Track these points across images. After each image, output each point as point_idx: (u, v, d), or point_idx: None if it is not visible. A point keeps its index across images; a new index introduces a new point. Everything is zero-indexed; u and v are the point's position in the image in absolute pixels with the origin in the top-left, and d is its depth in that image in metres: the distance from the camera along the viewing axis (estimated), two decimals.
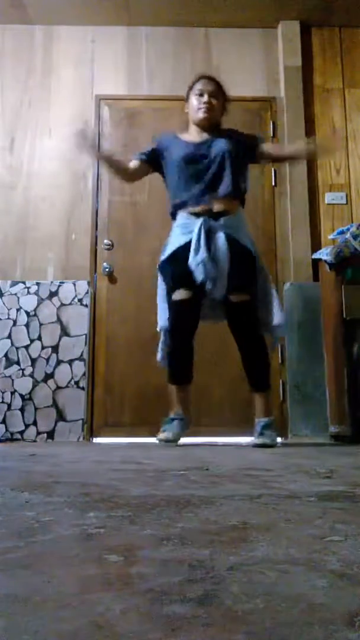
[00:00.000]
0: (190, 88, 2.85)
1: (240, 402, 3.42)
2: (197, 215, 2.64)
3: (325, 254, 3.32)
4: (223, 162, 2.70)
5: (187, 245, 2.60)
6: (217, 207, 2.65)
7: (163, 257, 2.72)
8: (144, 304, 3.54)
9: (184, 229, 2.66)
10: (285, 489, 1.08)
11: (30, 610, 0.43)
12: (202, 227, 2.57)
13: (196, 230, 2.58)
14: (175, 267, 2.64)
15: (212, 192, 2.67)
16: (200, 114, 2.78)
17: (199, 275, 2.54)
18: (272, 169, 3.73)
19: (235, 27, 3.91)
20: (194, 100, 2.81)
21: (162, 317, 2.78)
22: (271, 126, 3.78)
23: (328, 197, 3.69)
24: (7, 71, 3.86)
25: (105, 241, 3.60)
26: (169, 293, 2.70)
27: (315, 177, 3.73)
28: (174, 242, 2.69)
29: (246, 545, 0.63)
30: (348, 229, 3.34)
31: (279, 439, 3.36)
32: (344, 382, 3.02)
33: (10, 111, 3.80)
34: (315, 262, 3.53)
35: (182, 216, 2.70)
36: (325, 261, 3.31)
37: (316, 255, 3.47)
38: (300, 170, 3.69)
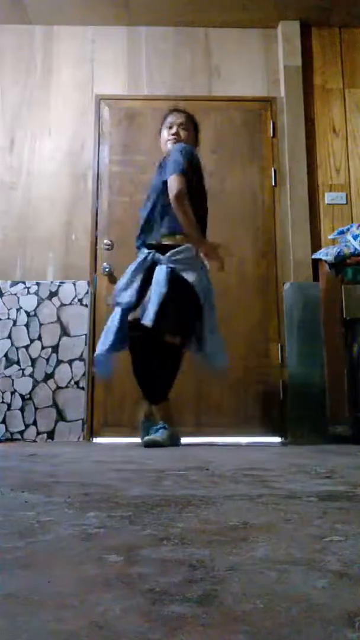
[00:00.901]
0: (162, 122, 2.92)
1: (240, 402, 3.42)
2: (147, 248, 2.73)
3: (325, 254, 3.32)
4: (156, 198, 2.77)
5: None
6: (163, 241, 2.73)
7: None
8: None
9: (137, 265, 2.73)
10: (285, 489, 1.08)
11: (30, 610, 0.43)
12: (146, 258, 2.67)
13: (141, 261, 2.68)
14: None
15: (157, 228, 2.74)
16: (169, 145, 2.83)
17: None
18: (272, 169, 3.73)
19: (235, 27, 3.91)
20: (164, 133, 2.88)
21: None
22: (271, 126, 3.78)
23: (328, 197, 3.69)
24: (7, 71, 3.86)
25: (105, 241, 3.60)
26: None
27: (315, 177, 3.73)
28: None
29: (246, 545, 0.63)
30: (348, 229, 3.34)
31: (278, 439, 3.37)
32: (344, 382, 3.02)
33: (10, 111, 3.80)
34: (315, 262, 3.53)
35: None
36: (325, 261, 3.31)
37: (316, 255, 3.47)
38: (301, 170, 3.69)
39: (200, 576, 0.51)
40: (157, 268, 2.60)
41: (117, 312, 2.69)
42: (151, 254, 2.66)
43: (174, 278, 2.56)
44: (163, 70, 3.89)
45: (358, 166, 3.76)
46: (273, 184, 3.72)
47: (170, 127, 2.86)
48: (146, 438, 2.55)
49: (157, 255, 2.65)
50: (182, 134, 2.84)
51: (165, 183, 2.66)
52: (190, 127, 2.89)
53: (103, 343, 2.69)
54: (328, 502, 0.92)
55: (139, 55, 3.91)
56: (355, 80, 3.88)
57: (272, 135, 3.77)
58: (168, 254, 2.62)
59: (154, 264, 2.63)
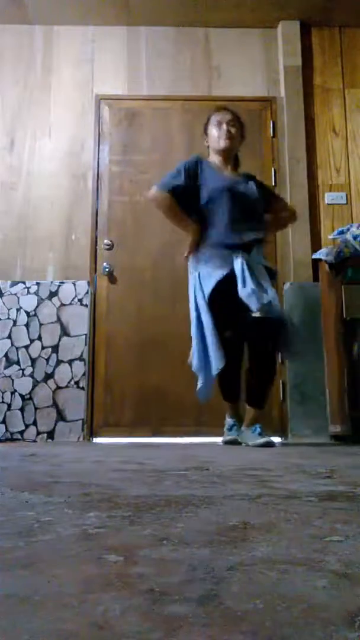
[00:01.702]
0: (208, 121, 2.95)
1: (240, 402, 3.42)
2: (234, 249, 2.68)
3: (325, 254, 3.32)
4: (259, 205, 2.85)
5: (228, 279, 2.61)
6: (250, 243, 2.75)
7: (207, 289, 2.66)
8: (144, 304, 3.54)
9: (222, 262, 2.66)
10: (285, 489, 1.08)
11: (30, 610, 0.43)
12: (243, 260, 2.62)
13: (239, 264, 2.61)
14: (223, 301, 2.63)
15: (253, 230, 2.76)
16: (222, 143, 2.86)
17: (252, 304, 2.54)
18: (272, 169, 3.73)
19: (235, 27, 3.91)
20: (213, 131, 2.90)
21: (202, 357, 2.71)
22: (271, 126, 3.78)
23: (328, 197, 3.69)
24: (7, 71, 3.86)
25: (105, 241, 3.60)
26: (217, 327, 2.64)
27: (315, 177, 3.73)
28: (212, 274, 2.67)
29: (246, 545, 0.63)
30: (348, 229, 3.34)
31: (279, 439, 3.37)
32: (344, 382, 3.02)
33: (10, 111, 3.80)
34: (315, 262, 3.53)
35: (217, 249, 2.72)
36: (325, 261, 3.31)
37: (316, 255, 3.47)
38: (300, 170, 3.69)
39: (200, 576, 0.51)
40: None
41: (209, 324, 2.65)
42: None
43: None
44: (163, 70, 3.89)
45: (358, 166, 3.76)
46: (273, 184, 3.71)
47: (219, 125, 2.89)
48: (264, 440, 2.57)
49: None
50: (233, 130, 2.90)
51: (263, 195, 2.93)
52: (238, 125, 2.95)
53: (217, 360, 2.60)
54: (328, 502, 0.92)
55: (139, 55, 3.91)
56: (355, 80, 3.88)
57: (272, 135, 3.77)
58: None
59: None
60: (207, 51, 3.92)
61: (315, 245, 3.59)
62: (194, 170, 2.78)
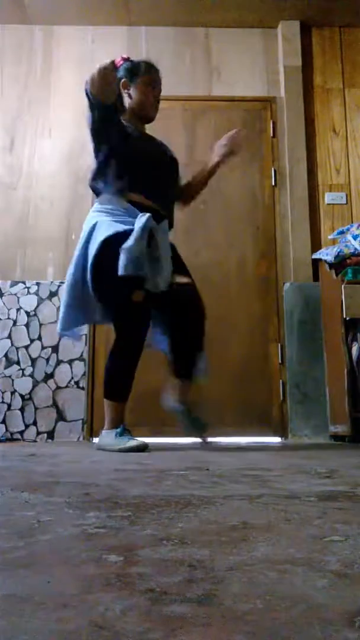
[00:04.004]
0: (137, 73, 2.54)
1: (240, 402, 3.42)
2: (145, 210, 2.35)
3: (325, 253, 3.32)
4: (177, 170, 2.64)
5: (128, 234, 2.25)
6: (164, 212, 2.47)
7: (107, 234, 2.28)
8: None
9: (130, 217, 2.33)
10: (285, 489, 1.08)
11: (30, 610, 0.43)
12: (148, 223, 2.27)
13: (142, 224, 2.25)
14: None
15: (168, 197, 2.53)
16: (152, 113, 2.57)
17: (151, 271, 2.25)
18: (272, 169, 3.73)
19: (235, 27, 3.91)
20: (144, 90, 2.53)
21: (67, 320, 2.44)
22: (271, 126, 3.78)
23: (328, 197, 3.69)
24: (7, 71, 3.86)
25: None
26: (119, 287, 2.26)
27: (315, 177, 3.73)
28: (116, 225, 2.31)
29: (246, 545, 0.63)
30: (348, 229, 3.34)
31: (278, 439, 3.37)
32: (344, 382, 3.02)
33: (10, 111, 3.80)
34: (315, 262, 3.53)
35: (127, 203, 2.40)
36: (325, 261, 3.31)
37: (316, 255, 3.47)
38: (300, 170, 3.69)
39: (200, 576, 0.51)
40: None
41: None
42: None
43: None
44: (163, 70, 3.86)
45: (358, 166, 3.76)
46: (273, 184, 3.72)
47: (151, 89, 2.55)
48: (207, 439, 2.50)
49: None
50: (159, 100, 2.60)
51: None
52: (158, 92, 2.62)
53: None
54: (328, 502, 0.92)
55: (138, 56, 3.88)
56: (355, 80, 3.88)
57: (272, 135, 3.77)
58: None
59: None
60: (207, 51, 3.92)
61: (315, 245, 3.59)
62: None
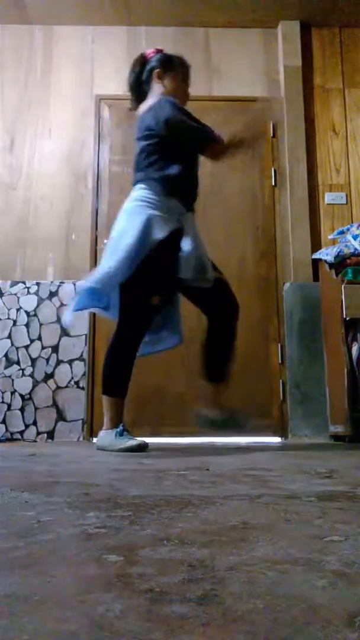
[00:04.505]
0: (173, 64, 2.58)
1: (240, 402, 3.42)
2: (186, 208, 2.42)
3: (325, 253, 3.32)
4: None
5: (175, 235, 2.33)
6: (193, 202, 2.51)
7: (163, 234, 2.31)
8: None
9: (172, 215, 2.36)
10: (285, 489, 1.08)
11: (30, 610, 0.43)
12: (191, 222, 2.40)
13: (186, 225, 2.36)
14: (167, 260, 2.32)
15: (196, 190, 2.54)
16: (185, 102, 2.58)
17: (187, 270, 2.33)
18: (272, 169, 3.73)
19: (235, 27, 3.91)
20: (179, 85, 2.58)
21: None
22: (271, 126, 3.78)
23: (328, 197, 3.69)
24: (7, 71, 3.86)
25: (105, 241, 3.59)
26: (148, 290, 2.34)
27: (315, 177, 3.73)
28: (163, 225, 2.33)
29: (246, 545, 0.63)
30: (348, 229, 3.34)
31: (278, 439, 3.37)
32: (344, 382, 3.02)
33: (10, 111, 3.80)
34: (315, 262, 3.53)
35: (173, 200, 2.40)
36: (325, 261, 3.31)
37: (316, 255, 3.47)
38: (301, 170, 3.69)
39: (200, 576, 0.51)
40: None
41: None
42: None
43: None
44: None
45: (358, 166, 3.76)
46: (273, 183, 3.72)
47: (186, 83, 2.61)
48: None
49: None
50: None
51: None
52: None
53: None
54: (328, 502, 0.92)
55: None
56: (355, 80, 3.88)
57: (272, 135, 3.77)
58: None
59: None
60: (207, 51, 3.92)
61: (315, 245, 3.59)
62: None
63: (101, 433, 2.34)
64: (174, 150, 2.42)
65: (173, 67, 2.58)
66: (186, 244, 2.34)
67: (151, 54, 2.57)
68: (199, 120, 2.46)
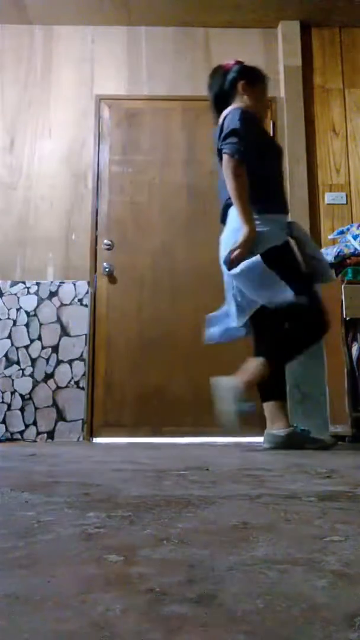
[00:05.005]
0: (257, 77, 2.63)
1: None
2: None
3: (325, 253, 3.32)
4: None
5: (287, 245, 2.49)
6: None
7: (279, 242, 2.45)
8: (144, 304, 3.54)
9: (282, 227, 2.50)
10: (285, 489, 1.08)
11: (30, 610, 0.43)
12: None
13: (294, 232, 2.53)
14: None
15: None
16: (264, 117, 2.74)
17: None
18: None
19: (235, 27, 3.91)
20: (261, 98, 2.64)
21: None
22: (271, 126, 3.78)
23: (328, 197, 3.69)
24: (7, 71, 3.86)
25: (105, 241, 3.60)
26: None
27: (315, 177, 3.73)
28: (279, 235, 2.47)
29: (246, 545, 0.63)
30: (348, 229, 3.34)
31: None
32: (344, 382, 3.02)
33: (10, 111, 3.80)
34: None
35: (277, 214, 2.53)
36: None
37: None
38: (300, 170, 3.69)
39: (200, 576, 0.51)
40: None
41: None
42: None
43: None
44: (163, 70, 3.89)
45: (358, 166, 3.76)
46: None
47: (265, 96, 2.70)
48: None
49: None
50: None
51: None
52: None
53: None
54: (328, 502, 0.92)
55: (139, 56, 3.91)
56: (355, 80, 3.88)
57: (272, 135, 3.77)
58: None
59: None
60: (207, 51, 3.92)
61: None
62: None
63: (278, 431, 2.43)
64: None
65: (258, 82, 2.63)
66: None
67: (230, 65, 2.60)
68: (266, 133, 2.64)
